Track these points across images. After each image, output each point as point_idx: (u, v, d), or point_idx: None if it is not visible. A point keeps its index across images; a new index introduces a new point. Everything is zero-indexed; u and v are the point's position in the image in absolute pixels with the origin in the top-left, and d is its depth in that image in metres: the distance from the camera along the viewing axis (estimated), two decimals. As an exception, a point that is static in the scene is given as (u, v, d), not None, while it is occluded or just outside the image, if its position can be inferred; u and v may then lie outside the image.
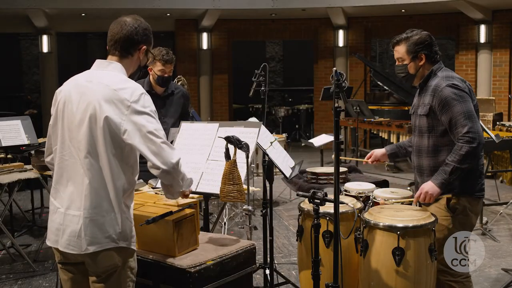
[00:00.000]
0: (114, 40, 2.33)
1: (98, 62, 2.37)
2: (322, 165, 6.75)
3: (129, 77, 2.38)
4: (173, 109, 4.36)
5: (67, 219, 2.23)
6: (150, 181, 3.85)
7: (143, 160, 4.49)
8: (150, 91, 4.25)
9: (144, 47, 2.38)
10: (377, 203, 3.28)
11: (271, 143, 3.46)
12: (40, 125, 10.11)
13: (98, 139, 2.19)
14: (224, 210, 5.54)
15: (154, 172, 2.27)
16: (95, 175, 2.20)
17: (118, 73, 2.31)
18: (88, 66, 2.44)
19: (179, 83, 6.22)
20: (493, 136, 5.21)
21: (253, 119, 6.86)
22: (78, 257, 2.26)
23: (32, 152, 5.14)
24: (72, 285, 2.37)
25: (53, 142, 2.35)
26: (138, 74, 2.47)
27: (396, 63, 3.13)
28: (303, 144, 7.49)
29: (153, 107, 2.29)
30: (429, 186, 2.93)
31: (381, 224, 2.90)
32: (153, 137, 2.20)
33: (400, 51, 3.07)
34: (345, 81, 2.60)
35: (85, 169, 2.20)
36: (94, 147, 2.20)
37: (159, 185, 3.18)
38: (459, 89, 2.90)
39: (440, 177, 2.91)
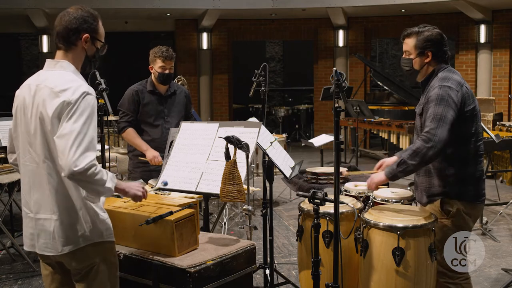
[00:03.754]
0: (56, 33, 2.31)
1: (47, 62, 2.35)
2: (322, 165, 6.76)
3: (81, 69, 2.35)
4: (177, 109, 4.35)
5: (38, 223, 2.27)
6: (150, 181, 3.85)
7: (142, 160, 4.48)
8: (154, 90, 4.26)
9: (86, 35, 2.31)
10: (377, 203, 3.28)
11: (271, 143, 3.45)
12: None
13: (51, 142, 2.19)
14: (224, 210, 5.54)
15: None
16: (55, 177, 2.22)
17: (65, 71, 2.28)
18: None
19: (179, 83, 6.22)
20: (493, 136, 5.20)
21: (253, 119, 6.83)
22: (57, 258, 2.30)
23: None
24: (52, 281, 2.40)
25: (15, 146, 2.38)
26: (91, 66, 2.42)
27: (403, 56, 3.07)
28: (303, 144, 7.48)
29: (93, 109, 2.19)
30: (376, 174, 3.03)
31: (381, 224, 2.90)
32: (70, 137, 2.10)
33: (409, 44, 3.01)
34: (345, 81, 2.60)
35: (46, 173, 2.23)
36: (49, 150, 2.21)
37: (159, 185, 3.18)
38: (446, 92, 2.80)
39: (390, 167, 2.93)
